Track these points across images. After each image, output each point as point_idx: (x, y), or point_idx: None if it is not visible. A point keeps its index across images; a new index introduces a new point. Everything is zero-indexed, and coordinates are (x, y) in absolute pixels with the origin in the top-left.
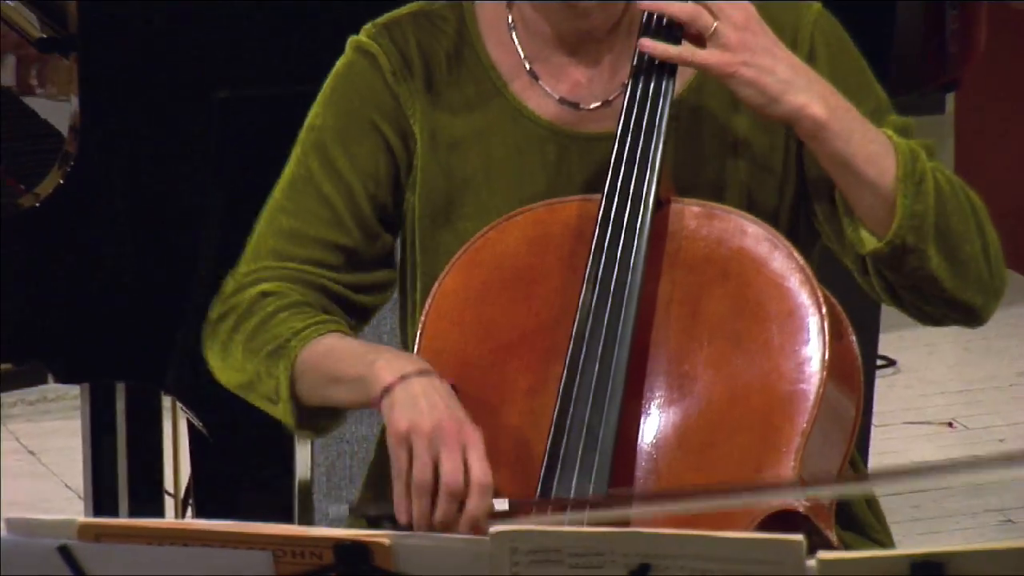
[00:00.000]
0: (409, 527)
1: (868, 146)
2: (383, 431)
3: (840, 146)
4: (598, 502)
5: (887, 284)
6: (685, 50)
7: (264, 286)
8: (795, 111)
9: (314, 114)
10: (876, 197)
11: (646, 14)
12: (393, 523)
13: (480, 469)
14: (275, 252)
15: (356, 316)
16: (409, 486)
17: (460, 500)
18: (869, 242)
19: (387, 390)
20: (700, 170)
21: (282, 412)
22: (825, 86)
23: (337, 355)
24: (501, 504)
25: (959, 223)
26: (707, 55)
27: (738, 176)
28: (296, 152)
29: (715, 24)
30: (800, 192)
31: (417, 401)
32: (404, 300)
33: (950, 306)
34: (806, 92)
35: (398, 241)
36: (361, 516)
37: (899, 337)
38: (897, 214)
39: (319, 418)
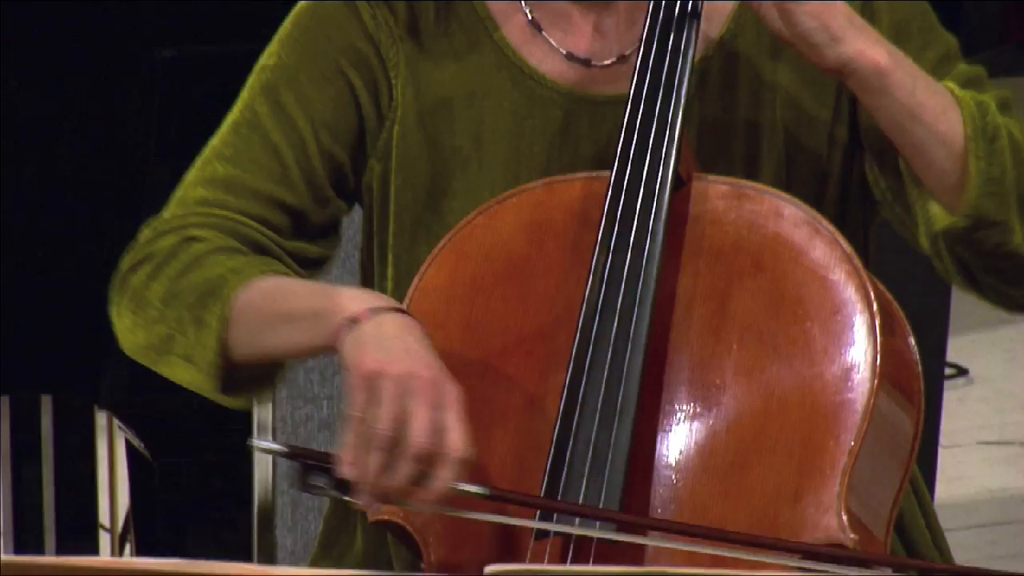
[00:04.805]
0: (346, 487)
1: (933, 98)
2: None
3: (903, 97)
4: (607, 516)
5: (964, 268)
6: None
7: (192, 231)
8: (857, 55)
9: (268, 53)
10: (946, 159)
11: None
12: (331, 479)
13: (456, 435)
14: (204, 202)
15: None
16: (365, 437)
17: (425, 467)
18: (942, 217)
19: (353, 322)
20: (730, 137)
21: (204, 372)
22: (877, 34)
23: (285, 291)
24: (477, 488)
25: None
26: None
27: (776, 143)
28: (242, 96)
29: None
30: (853, 158)
31: (389, 342)
32: (369, 286)
33: None
34: (865, 35)
35: (350, 217)
36: (294, 460)
37: (972, 341)
38: (970, 178)
39: (247, 379)
